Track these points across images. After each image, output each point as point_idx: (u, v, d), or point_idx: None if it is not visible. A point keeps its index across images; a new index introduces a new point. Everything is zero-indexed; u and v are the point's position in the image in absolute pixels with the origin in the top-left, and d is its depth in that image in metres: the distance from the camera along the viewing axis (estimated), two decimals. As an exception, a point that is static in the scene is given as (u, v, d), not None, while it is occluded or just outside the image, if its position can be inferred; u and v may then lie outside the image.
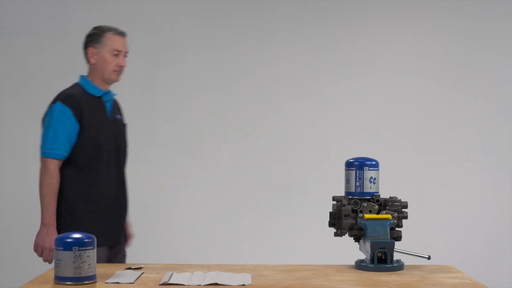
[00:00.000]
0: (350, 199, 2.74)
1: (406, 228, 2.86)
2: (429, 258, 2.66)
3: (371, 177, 2.74)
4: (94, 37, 3.31)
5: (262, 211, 5.01)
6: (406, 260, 2.72)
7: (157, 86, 5.07)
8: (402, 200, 2.74)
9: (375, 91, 5.12)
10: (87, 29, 5.35)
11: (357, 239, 2.77)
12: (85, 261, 2.36)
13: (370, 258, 2.61)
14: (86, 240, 2.37)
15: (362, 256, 2.76)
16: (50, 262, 3.14)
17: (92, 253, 2.38)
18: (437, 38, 5.10)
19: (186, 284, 2.38)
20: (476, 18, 5.10)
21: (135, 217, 5.03)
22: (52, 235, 3.17)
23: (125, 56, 3.34)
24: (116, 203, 3.30)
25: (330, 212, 2.79)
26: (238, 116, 5.10)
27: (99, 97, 3.30)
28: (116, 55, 3.29)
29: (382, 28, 5.11)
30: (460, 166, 5.12)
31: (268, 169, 5.05)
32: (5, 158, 5.02)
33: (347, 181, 2.78)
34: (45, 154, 3.23)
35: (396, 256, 2.67)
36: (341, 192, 2.89)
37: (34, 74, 5.04)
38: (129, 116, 5.04)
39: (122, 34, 3.33)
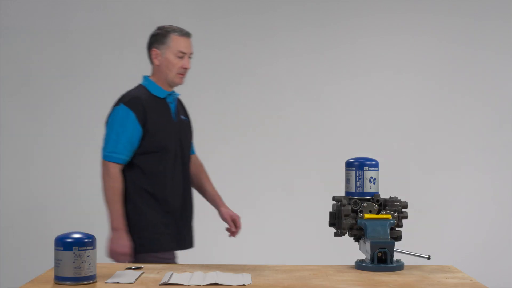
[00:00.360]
0: (350, 199, 2.74)
1: (406, 228, 2.85)
2: (429, 258, 2.66)
3: (371, 177, 2.74)
4: (158, 38, 3.21)
5: (262, 211, 5.01)
6: (406, 260, 2.72)
7: (157, 86, 5.07)
8: (402, 200, 2.74)
9: (375, 91, 5.12)
10: (87, 29, 5.38)
11: (357, 239, 2.77)
12: (85, 261, 2.36)
13: (370, 258, 2.61)
14: (86, 240, 2.37)
15: (362, 256, 2.76)
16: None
17: (92, 253, 2.38)
18: (437, 38, 5.10)
19: (186, 284, 2.38)
20: (476, 19, 5.10)
21: (135, 217, 5.05)
22: (123, 239, 3.07)
23: (189, 57, 3.24)
24: (184, 206, 3.20)
25: (330, 212, 2.79)
26: (238, 116, 5.10)
27: (163, 98, 3.19)
28: (181, 57, 3.19)
29: (382, 28, 5.12)
30: (460, 166, 5.12)
31: (268, 169, 5.05)
32: (5, 158, 5.02)
33: (347, 181, 2.78)
34: (106, 157, 3.09)
35: (396, 256, 2.66)
36: (341, 192, 2.89)
37: (34, 74, 5.04)
38: (129, 116, 5.07)
39: (187, 35, 3.22)
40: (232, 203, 5.06)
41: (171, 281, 2.41)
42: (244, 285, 2.39)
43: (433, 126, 5.12)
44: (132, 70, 5.08)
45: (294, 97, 5.10)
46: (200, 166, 3.44)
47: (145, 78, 3.25)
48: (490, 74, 5.12)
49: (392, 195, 2.79)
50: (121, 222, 3.07)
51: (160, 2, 5.07)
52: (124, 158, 3.08)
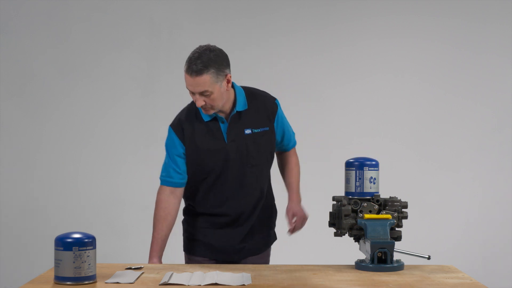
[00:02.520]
0: (350, 199, 2.74)
1: (406, 228, 2.86)
2: (429, 258, 2.66)
3: (371, 177, 2.74)
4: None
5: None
6: (406, 260, 2.72)
7: (157, 87, 5.07)
8: (402, 200, 2.74)
9: (375, 92, 5.12)
10: (87, 29, 5.40)
11: (357, 239, 2.77)
12: (85, 261, 2.36)
13: (370, 258, 2.61)
14: (86, 240, 2.37)
15: (362, 256, 2.76)
16: None
17: (92, 253, 2.38)
18: (436, 40, 5.10)
19: (186, 284, 2.38)
20: (476, 21, 5.10)
21: (135, 217, 5.06)
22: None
23: (205, 95, 2.84)
24: (236, 220, 3.05)
25: (330, 212, 2.79)
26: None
27: (210, 120, 2.98)
28: (192, 93, 2.88)
29: (382, 30, 5.12)
30: (460, 166, 5.12)
31: (268, 169, 5.04)
32: (5, 158, 5.02)
33: (347, 181, 2.78)
34: (161, 181, 3.06)
35: (396, 256, 2.67)
36: (341, 192, 2.89)
37: (34, 74, 5.04)
38: (129, 116, 5.07)
39: (191, 73, 2.82)
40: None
41: (171, 281, 2.41)
42: (244, 285, 2.39)
43: (433, 127, 5.12)
44: (132, 70, 5.09)
45: (294, 97, 5.10)
46: (289, 158, 3.26)
47: None
48: (489, 75, 5.12)
49: (392, 195, 2.79)
50: (152, 250, 3.01)
51: (160, 2, 5.07)
52: (172, 181, 3.01)
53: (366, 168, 2.74)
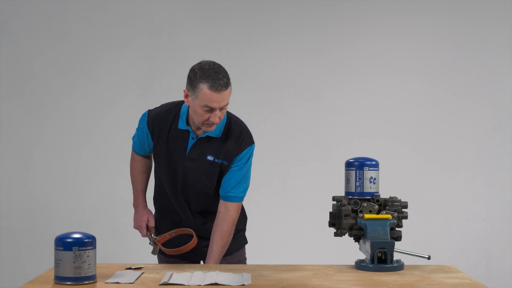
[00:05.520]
0: (350, 199, 2.74)
1: (406, 228, 2.86)
2: (429, 258, 2.66)
3: (371, 177, 2.74)
4: (191, 79, 2.80)
5: (262, 211, 5.01)
6: (406, 260, 2.72)
7: (157, 87, 5.07)
8: (402, 200, 2.74)
9: (375, 92, 5.12)
10: (87, 29, 5.38)
11: (357, 239, 2.77)
12: (85, 261, 2.36)
13: (370, 258, 2.61)
14: (86, 240, 2.37)
15: (362, 256, 2.76)
16: (149, 238, 3.11)
17: (92, 253, 2.38)
18: (436, 40, 5.10)
19: (186, 284, 2.38)
20: (476, 21, 5.10)
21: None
22: (136, 214, 3.19)
23: (222, 110, 2.79)
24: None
25: (330, 212, 2.79)
26: (238, 117, 5.10)
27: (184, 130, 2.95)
28: (208, 110, 2.78)
29: (382, 30, 5.12)
30: (460, 166, 5.12)
31: (268, 169, 5.05)
32: (5, 158, 5.02)
33: (347, 181, 2.78)
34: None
35: (396, 256, 2.67)
36: (341, 192, 2.89)
37: (34, 74, 5.04)
38: (129, 116, 5.06)
39: (220, 88, 2.74)
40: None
41: (171, 281, 2.41)
42: (244, 285, 2.39)
43: (433, 127, 5.12)
44: (132, 70, 5.09)
45: (294, 97, 5.10)
46: (222, 222, 2.96)
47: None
48: (489, 75, 5.12)
49: (392, 195, 2.79)
50: (135, 200, 3.19)
51: (160, 2, 5.07)
52: (136, 150, 3.15)
53: (366, 168, 2.74)
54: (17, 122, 5.03)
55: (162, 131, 2.98)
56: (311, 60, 5.10)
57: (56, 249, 2.36)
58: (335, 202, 2.77)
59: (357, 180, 2.74)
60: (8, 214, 5.02)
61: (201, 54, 5.07)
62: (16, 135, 5.03)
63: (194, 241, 2.96)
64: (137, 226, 3.14)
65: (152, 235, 3.08)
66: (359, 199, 2.72)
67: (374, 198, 2.72)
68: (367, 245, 2.63)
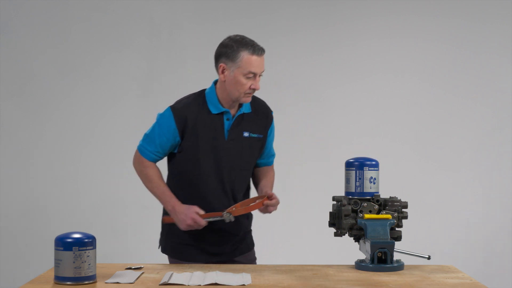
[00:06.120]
0: (350, 199, 2.74)
1: (406, 228, 2.86)
2: (429, 258, 2.66)
3: (371, 177, 2.74)
4: (228, 52, 2.91)
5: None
6: (406, 260, 2.72)
7: (157, 87, 5.07)
8: (402, 200, 2.74)
9: (375, 92, 5.12)
10: (87, 29, 5.37)
11: (357, 239, 2.77)
12: (85, 261, 2.36)
13: (370, 258, 2.61)
14: (86, 240, 2.37)
15: (362, 256, 2.76)
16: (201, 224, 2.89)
17: (92, 253, 2.38)
18: (436, 40, 5.10)
19: (186, 284, 2.39)
20: (476, 21, 5.10)
21: (135, 217, 5.06)
22: (180, 214, 2.91)
23: (260, 76, 2.94)
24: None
25: (330, 212, 2.79)
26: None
27: (218, 114, 2.96)
28: (251, 77, 2.89)
29: (382, 31, 5.12)
30: (460, 166, 5.12)
31: (268, 169, 5.04)
32: (5, 158, 5.02)
33: (347, 181, 2.78)
34: (139, 147, 3.02)
35: (396, 256, 2.67)
36: (341, 192, 2.89)
37: (34, 74, 5.04)
38: (129, 116, 5.07)
39: (260, 53, 2.92)
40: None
41: (171, 281, 2.41)
42: (244, 285, 2.39)
43: (433, 127, 5.12)
44: (132, 70, 5.09)
45: (294, 97, 5.10)
46: (269, 171, 3.16)
47: (211, 86, 3.01)
48: (489, 75, 5.12)
49: (392, 195, 2.79)
50: (169, 202, 2.95)
51: (160, 2, 5.07)
52: (152, 156, 2.99)
53: (366, 168, 2.75)
54: (17, 122, 5.03)
55: (192, 122, 2.93)
56: (311, 60, 5.10)
57: (56, 249, 2.37)
58: (335, 202, 2.77)
59: (357, 180, 2.74)
60: (8, 214, 5.02)
61: (201, 54, 5.09)
62: (16, 135, 5.03)
63: (260, 203, 2.86)
64: (191, 222, 2.86)
65: (223, 212, 2.87)
66: (359, 199, 2.72)
67: (374, 198, 2.73)
68: (367, 245, 2.63)
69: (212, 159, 2.95)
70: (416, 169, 5.11)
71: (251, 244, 3.15)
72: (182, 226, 2.89)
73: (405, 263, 2.69)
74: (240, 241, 3.08)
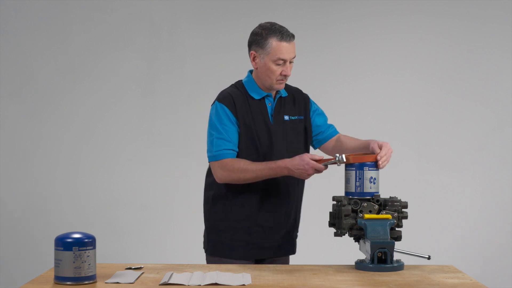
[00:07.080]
0: (350, 199, 2.74)
1: (406, 228, 2.86)
2: (429, 258, 2.66)
3: (371, 177, 2.74)
4: (258, 40, 2.96)
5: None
6: (406, 260, 2.72)
7: (157, 87, 5.07)
8: (402, 200, 2.74)
9: (375, 93, 5.12)
10: (87, 29, 5.37)
11: (357, 239, 2.77)
12: (85, 261, 2.36)
13: (370, 258, 2.61)
14: (86, 240, 2.37)
15: (362, 256, 2.76)
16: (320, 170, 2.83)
17: (92, 253, 2.38)
18: (436, 40, 5.10)
19: (186, 284, 2.39)
20: (475, 21, 5.10)
21: (135, 217, 5.06)
22: (297, 163, 2.83)
23: (291, 62, 3.00)
24: (264, 214, 2.96)
25: (330, 212, 2.79)
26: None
27: (260, 99, 2.99)
28: (281, 64, 2.94)
29: (382, 31, 5.11)
30: (460, 166, 5.12)
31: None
32: (5, 158, 5.02)
33: (347, 181, 2.78)
34: (213, 158, 2.90)
35: (396, 256, 2.67)
36: (341, 192, 2.89)
37: (34, 74, 5.04)
38: (129, 116, 5.07)
39: (289, 39, 2.94)
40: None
41: (171, 281, 2.41)
42: (244, 285, 2.39)
43: (433, 127, 5.12)
44: (132, 70, 5.09)
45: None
46: (345, 137, 3.28)
47: (248, 75, 3.06)
48: (489, 75, 5.12)
49: (392, 195, 2.79)
50: (277, 163, 2.85)
51: (160, 2, 5.07)
52: (231, 153, 2.89)
53: (366, 168, 2.75)
54: (17, 122, 5.03)
55: (242, 110, 2.93)
56: (311, 60, 5.10)
57: (56, 249, 2.37)
58: (335, 202, 2.77)
59: (357, 180, 2.74)
60: (8, 214, 5.02)
61: (201, 54, 5.09)
62: (16, 135, 5.03)
63: (372, 157, 2.76)
64: (312, 171, 2.82)
65: (336, 156, 2.79)
66: (359, 199, 2.72)
67: (374, 198, 2.72)
68: (367, 245, 2.63)
69: (267, 141, 2.94)
70: (416, 169, 5.10)
71: (294, 250, 3.11)
72: (304, 177, 2.89)
73: (405, 263, 2.69)
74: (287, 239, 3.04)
